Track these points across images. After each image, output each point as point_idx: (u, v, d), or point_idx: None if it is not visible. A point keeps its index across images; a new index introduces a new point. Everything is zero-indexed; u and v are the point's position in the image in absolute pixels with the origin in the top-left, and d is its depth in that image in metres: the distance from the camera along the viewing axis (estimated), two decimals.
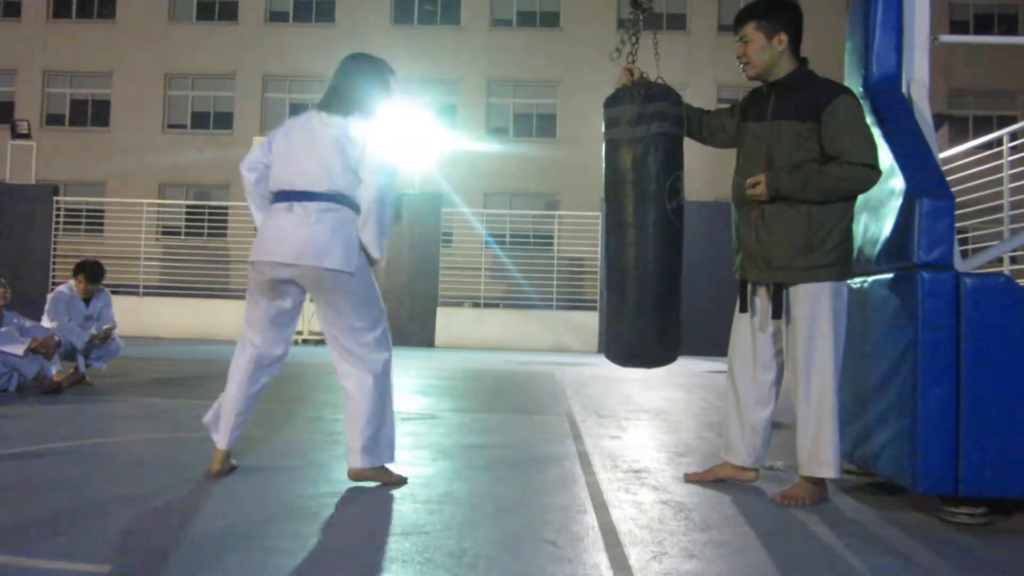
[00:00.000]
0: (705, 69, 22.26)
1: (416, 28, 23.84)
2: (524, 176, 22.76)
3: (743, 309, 3.29)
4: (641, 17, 3.50)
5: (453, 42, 23.61)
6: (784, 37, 3.16)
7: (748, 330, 3.30)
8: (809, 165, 3.04)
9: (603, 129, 3.41)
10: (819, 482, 3.11)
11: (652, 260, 3.28)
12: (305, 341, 14.93)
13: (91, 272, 6.81)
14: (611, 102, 3.36)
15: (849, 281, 3.26)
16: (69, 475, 3.26)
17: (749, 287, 3.28)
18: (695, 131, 3.45)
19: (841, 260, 3.08)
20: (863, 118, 3.07)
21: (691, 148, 3.47)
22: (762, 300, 3.25)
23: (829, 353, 3.05)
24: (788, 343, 3.16)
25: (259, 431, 4.54)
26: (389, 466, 3.28)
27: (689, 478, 3.44)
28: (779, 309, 3.14)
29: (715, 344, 10.94)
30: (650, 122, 3.25)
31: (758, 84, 3.30)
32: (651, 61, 3.34)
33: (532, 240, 19.25)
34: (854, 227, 3.19)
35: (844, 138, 3.00)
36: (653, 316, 3.31)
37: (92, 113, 24.55)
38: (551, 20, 24.07)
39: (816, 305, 3.06)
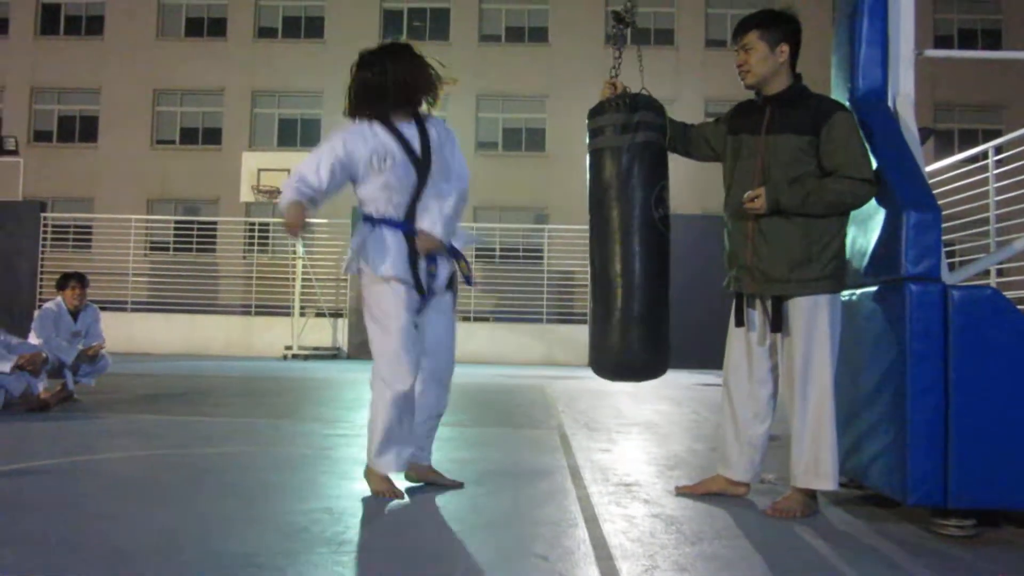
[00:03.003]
0: (692, 84, 22.40)
1: None
2: (513, 190, 22.81)
3: (739, 323, 3.29)
4: (624, 31, 3.52)
5: (442, 58, 23.45)
6: (786, 48, 3.17)
7: (743, 344, 3.29)
8: (808, 179, 3.05)
9: (587, 140, 3.42)
10: (811, 494, 3.10)
11: (640, 270, 3.26)
12: (295, 356, 14.89)
13: (80, 278, 6.82)
14: (595, 112, 3.38)
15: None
16: (56, 493, 3.23)
17: (744, 301, 3.27)
18: (677, 145, 3.45)
19: (837, 273, 3.10)
20: (859, 134, 3.09)
21: (677, 160, 3.48)
22: (758, 314, 3.25)
23: (826, 365, 3.05)
24: (784, 356, 3.16)
25: (248, 447, 4.52)
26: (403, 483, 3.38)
27: (680, 491, 3.43)
28: (778, 323, 3.14)
29: (705, 357, 10.96)
30: (636, 131, 3.25)
31: (747, 96, 3.31)
32: (637, 75, 3.36)
33: (522, 254, 19.28)
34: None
35: (842, 153, 3.02)
36: (642, 327, 3.28)
37: (80, 129, 24.49)
38: (539, 35, 24.19)
39: (813, 318, 3.06)
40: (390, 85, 3.30)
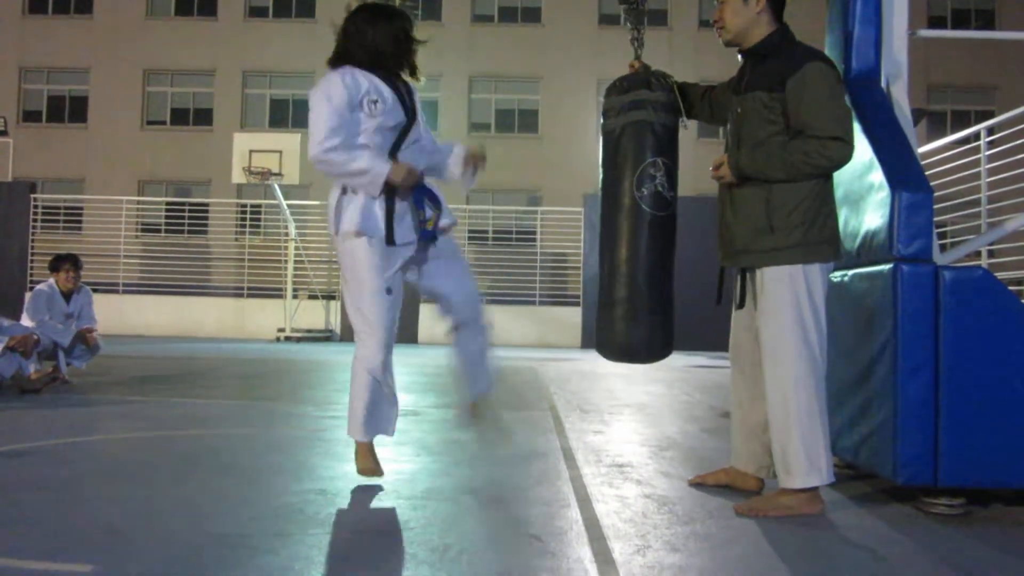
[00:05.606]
0: (686, 64, 22.25)
1: None
2: (506, 172, 22.72)
3: (719, 301, 3.14)
4: (640, 6, 3.50)
5: (434, 38, 23.53)
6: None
7: (740, 322, 3.10)
8: (773, 141, 2.80)
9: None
10: (798, 492, 2.83)
11: (618, 251, 3.22)
12: (287, 338, 14.87)
13: (74, 260, 6.78)
14: (605, 95, 3.38)
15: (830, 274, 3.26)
16: (49, 475, 3.23)
17: (727, 274, 3.11)
18: (698, 113, 3.29)
19: (807, 241, 2.80)
20: (833, 86, 2.79)
21: None
22: (736, 288, 3.08)
23: (792, 346, 2.78)
24: (759, 335, 2.94)
25: (242, 429, 4.53)
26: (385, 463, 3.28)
27: (693, 482, 3.27)
28: (743, 297, 3.01)
29: (697, 339, 11.00)
30: (626, 112, 3.24)
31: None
32: (633, 54, 3.37)
33: (515, 236, 19.25)
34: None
35: (810, 109, 2.73)
36: (618, 309, 3.21)
37: (70, 110, 24.31)
38: (533, 15, 24.05)
39: (778, 292, 2.82)
40: (377, 44, 3.30)
